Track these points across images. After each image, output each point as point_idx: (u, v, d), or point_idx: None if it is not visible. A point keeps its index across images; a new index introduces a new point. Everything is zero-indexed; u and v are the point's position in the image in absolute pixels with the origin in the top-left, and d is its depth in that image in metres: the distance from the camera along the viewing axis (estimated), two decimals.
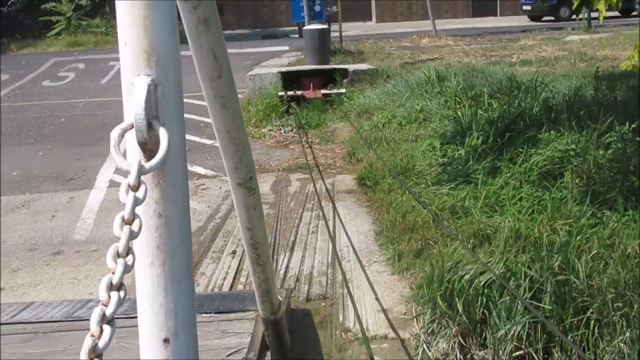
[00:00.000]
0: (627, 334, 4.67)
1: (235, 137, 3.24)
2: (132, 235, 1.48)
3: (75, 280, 7.25)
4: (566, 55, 19.00)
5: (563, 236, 5.68)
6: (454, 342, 5.25)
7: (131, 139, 1.71)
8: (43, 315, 6.28)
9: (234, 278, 6.87)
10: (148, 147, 1.69)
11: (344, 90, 14.40)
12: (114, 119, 14.43)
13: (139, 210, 1.54)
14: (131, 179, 1.55)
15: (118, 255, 1.44)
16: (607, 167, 7.20)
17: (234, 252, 7.46)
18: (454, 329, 5.25)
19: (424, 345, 5.30)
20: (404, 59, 20.11)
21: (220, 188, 9.91)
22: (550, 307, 4.90)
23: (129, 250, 1.45)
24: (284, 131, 13.00)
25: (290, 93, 14.48)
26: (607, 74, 7.82)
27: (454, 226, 6.42)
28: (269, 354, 5.29)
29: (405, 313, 5.77)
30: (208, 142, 12.51)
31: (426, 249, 6.37)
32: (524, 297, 4.94)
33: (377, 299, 4.82)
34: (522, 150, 7.91)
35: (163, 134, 1.65)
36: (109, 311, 1.33)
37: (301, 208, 8.80)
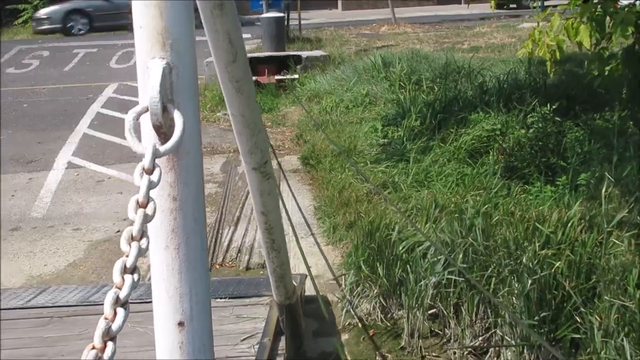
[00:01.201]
0: (516, 287, 5.35)
1: (250, 122, 3.23)
2: (147, 219, 1.47)
3: (31, 254, 7.91)
4: (514, 42, 19.30)
5: (473, 206, 6.41)
6: (376, 303, 6.04)
7: (146, 122, 1.71)
8: (58, 300, 6.32)
9: None
10: (162, 131, 1.68)
11: (296, 76, 15.13)
12: (75, 104, 15.55)
13: (153, 193, 1.54)
14: (146, 162, 1.55)
15: (132, 238, 1.44)
16: (528, 145, 7.92)
17: None
18: (375, 291, 6.03)
19: (348, 304, 6.09)
20: (360, 46, 20.46)
21: None
22: (463, 266, 5.60)
23: (143, 234, 1.44)
24: None
25: None
26: (541, 60, 8.09)
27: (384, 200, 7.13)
28: (283, 338, 5.31)
29: (334, 279, 6.39)
30: None
31: (358, 222, 6.91)
32: (440, 260, 5.72)
33: (308, 267, 5.12)
34: (452, 130, 8.72)
35: (178, 117, 1.64)
36: (122, 294, 1.33)
37: (247, 185, 8.73)
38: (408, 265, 5.88)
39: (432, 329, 5.84)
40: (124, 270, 1.37)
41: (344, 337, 5.89)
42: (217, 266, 7.44)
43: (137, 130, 1.66)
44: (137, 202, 1.50)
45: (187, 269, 1.81)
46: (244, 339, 5.21)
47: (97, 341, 1.25)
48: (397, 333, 5.92)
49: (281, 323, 5.28)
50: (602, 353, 4.82)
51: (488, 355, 5.50)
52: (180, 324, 1.82)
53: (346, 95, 12.14)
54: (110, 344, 1.25)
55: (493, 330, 5.52)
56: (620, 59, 7.67)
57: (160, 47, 1.71)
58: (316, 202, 8.45)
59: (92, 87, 17.78)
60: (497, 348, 5.42)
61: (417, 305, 5.70)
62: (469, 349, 5.53)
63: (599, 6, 6.75)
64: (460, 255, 5.70)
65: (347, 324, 6.10)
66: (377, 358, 5.70)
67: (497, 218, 6.12)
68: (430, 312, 5.79)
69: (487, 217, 6.10)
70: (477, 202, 6.63)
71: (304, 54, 16.72)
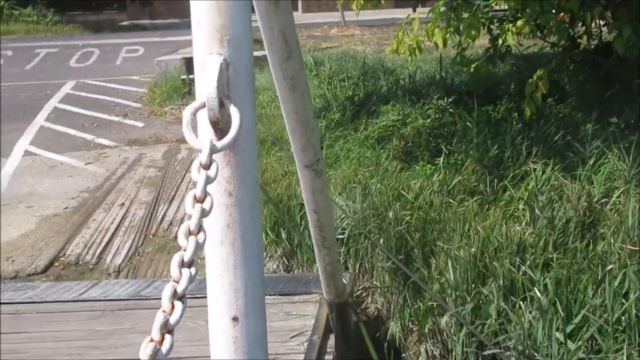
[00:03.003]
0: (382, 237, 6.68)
1: (304, 119, 3.23)
2: (204, 213, 1.48)
3: None
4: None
5: (361, 180, 7.90)
6: (280, 262, 7.44)
7: (203, 118, 1.72)
8: (110, 294, 6.41)
9: (119, 224, 8.92)
10: (219, 126, 1.69)
11: None
12: (34, 100, 16.61)
13: (209, 189, 1.55)
14: (203, 157, 1.56)
15: (189, 232, 1.45)
16: (425, 133, 9.23)
17: (123, 204, 9.55)
18: (279, 252, 7.43)
19: None
20: (305, 47, 20.65)
21: (119, 156, 12.06)
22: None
23: (200, 228, 1.45)
24: (183, 109, 13.79)
25: (191, 76, 15.63)
26: (453, 59, 9.91)
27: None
28: (332, 336, 5.31)
29: None
30: (115, 119, 14.86)
31: (273, 197, 8.10)
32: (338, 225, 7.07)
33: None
34: (364, 120, 10.11)
35: (235, 113, 1.65)
36: (180, 288, 1.34)
37: (184, 170, 10.82)
38: (305, 230, 7.04)
39: None
40: (182, 264, 1.38)
41: None
42: (151, 236, 8.59)
43: (194, 126, 1.67)
44: (195, 197, 1.51)
45: (242, 265, 1.81)
46: (293, 336, 5.22)
47: (155, 334, 1.25)
48: None
49: (331, 321, 5.28)
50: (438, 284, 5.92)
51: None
52: (235, 319, 1.83)
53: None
54: (168, 337, 1.26)
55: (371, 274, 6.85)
56: (483, 58, 9.43)
57: (217, 44, 1.71)
58: None
59: (51, 84, 18.64)
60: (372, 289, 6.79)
61: (313, 261, 6.76)
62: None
63: (454, 12, 8.00)
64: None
65: None
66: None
67: (374, 187, 7.56)
68: None
69: (367, 187, 7.55)
70: (366, 177, 8.03)
71: None
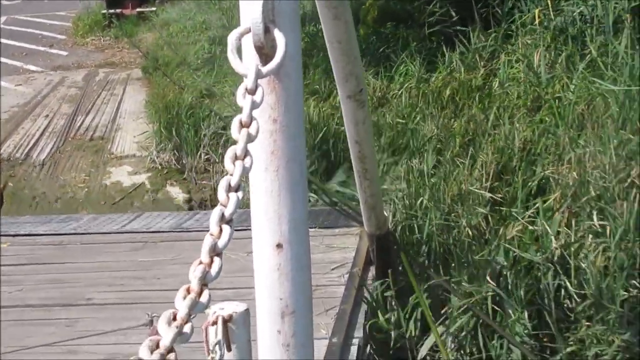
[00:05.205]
0: None
1: (347, 49, 3.19)
2: (250, 138, 1.47)
3: None
4: None
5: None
6: (172, 154, 9.63)
7: (248, 43, 1.70)
8: (152, 226, 6.50)
9: (43, 130, 10.89)
10: (264, 52, 1.67)
11: (155, 9, 17.47)
12: None
13: (254, 114, 1.53)
14: (249, 82, 1.54)
15: (236, 157, 1.44)
16: None
17: (47, 116, 11.45)
18: (170, 146, 9.64)
19: (155, 156, 9.68)
20: None
21: (45, 79, 13.97)
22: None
23: (246, 153, 1.45)
24: (103, 40, 17.31)
25: (111, 11, 17.83)
26: None
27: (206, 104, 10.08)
28: (373, 269, 5.33)
29: (147, 139, 10.18)
30: (42, 49, 16.80)
31: (173, 107, 9.88)
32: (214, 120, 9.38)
33: (134, 136, 10.29)
34: None
35: (280, 38, 1.63)
36: (227, 211, 1.33)
37: (101, 89, 12.82)
38: (193, 129, 9.47)
39: (206, 167, 9.39)
40: (229, 188, 1.38)
41: (148, 174, 9.58)
42: (70, 138, 10.58)
43: (239, 50, 1.65)
44: (241, 122, 1.50)
45: (286, 192, 1.81)
46: (334, 268, 5.26)
47: (204, 257, 1.26)
48: (183, 171, 9.49)
49: (371, 253, 5.29)
50: None
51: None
52: (279, 245, 1.83)
53: (188, 22, 14.80)
54: (217, 260, 1.26)
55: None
56: None
57: None
58: (147, 97, 11.53)
59: None
60: None
61: (195, 152, 9.38)
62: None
63: None
64: None
65: (151, 167, 9.67)
66: (166, 186, 9.38)
67: None
68: (205, 157, 9.36)
69: None
70: None
71: None
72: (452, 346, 5.09)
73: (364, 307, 4.87)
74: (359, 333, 4.54)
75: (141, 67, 13.67)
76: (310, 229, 5.63)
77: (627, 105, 6.23)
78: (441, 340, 4.82)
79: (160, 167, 9.60)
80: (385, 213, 5.21)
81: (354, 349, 4.35)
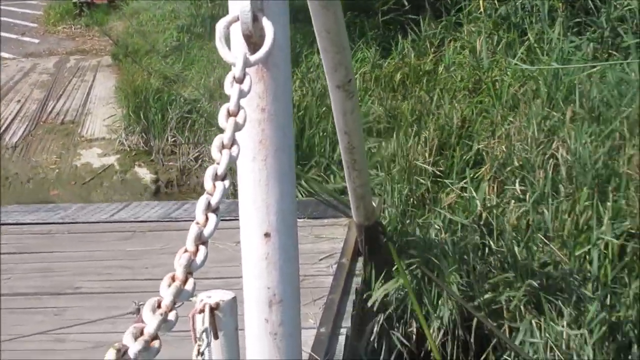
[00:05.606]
0: None
1: (335, 39, 3.18)
2: (237, 127, 1.47)
3: None
4: None
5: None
6: (140, 137, 10.07)
7: (236, 32, 1.69)
8: (140, 215, 6.48)
9: (16, 114, 11.21)
10: (253, 40, 1.67)
11: None
12: None
13: (242, 103, 1.53)
14: (236, 71, 1.53)
15: (223, 146, 1.44)
16: None
17: (19, 101, 11.76)
18: (138, 129, 10.07)
19: (124, 138, 10.14)
20: None
21: (17, 65, 14.10)
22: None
23: (233, 141, 1.44)
24: (74, 28, 17.52)
25: (82, 0, 17.93)
26: None
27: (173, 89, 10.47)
28: (361, 259, 5.33)
29: (117, 123, 10.59)
30: (14, 36, 16.91)
31: (141, 92, 10.23)
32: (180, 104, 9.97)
33: (104, 120, 10.64)
34: None
35: (268, 27, 1.62)
36: (214, 200, 1.33)
37: (72, 76, 13.09)
38: (160, 112, 9.90)
39: (173, 149, 9.87)
40: (215, 177, 1.38)
41: (117, 156, 10.07)
42: (42, 122, 11.00)
43: (227, 39, 1.65)
44: (228, 111, 1.49)
45: (274, 181, 1.81)
46: (322, 259, 5.26)
47: (189, 245, 1.26)
48: (151, 153, 9.98)
49: (359, 244, 5.30)
50: None
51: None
52: (267, 235, 1.83)
53: (158, 11, 15.06)
54: (202, 248, 1.26)
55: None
56: None
57: None
58: (117, 83, 11.78)
59: None
60: None
61: (162, 134, 9.88)
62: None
63: None
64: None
65: (120, 149, 10.12)
66: (134, 167, 9.92)
67: None
68: (172, 139, 9.84)
69: None
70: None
71: None
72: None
73: (352, 297, 4.87)
74: (347, 323, 4.54)
75: (111, 54, 13.98)
76: (298, 219, 5.62)
77: (553, 85, 7.25)
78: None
79: (128, 149, 10.12)
80: (373, 204, 5.21)
81: (342, 339, 4.35)
